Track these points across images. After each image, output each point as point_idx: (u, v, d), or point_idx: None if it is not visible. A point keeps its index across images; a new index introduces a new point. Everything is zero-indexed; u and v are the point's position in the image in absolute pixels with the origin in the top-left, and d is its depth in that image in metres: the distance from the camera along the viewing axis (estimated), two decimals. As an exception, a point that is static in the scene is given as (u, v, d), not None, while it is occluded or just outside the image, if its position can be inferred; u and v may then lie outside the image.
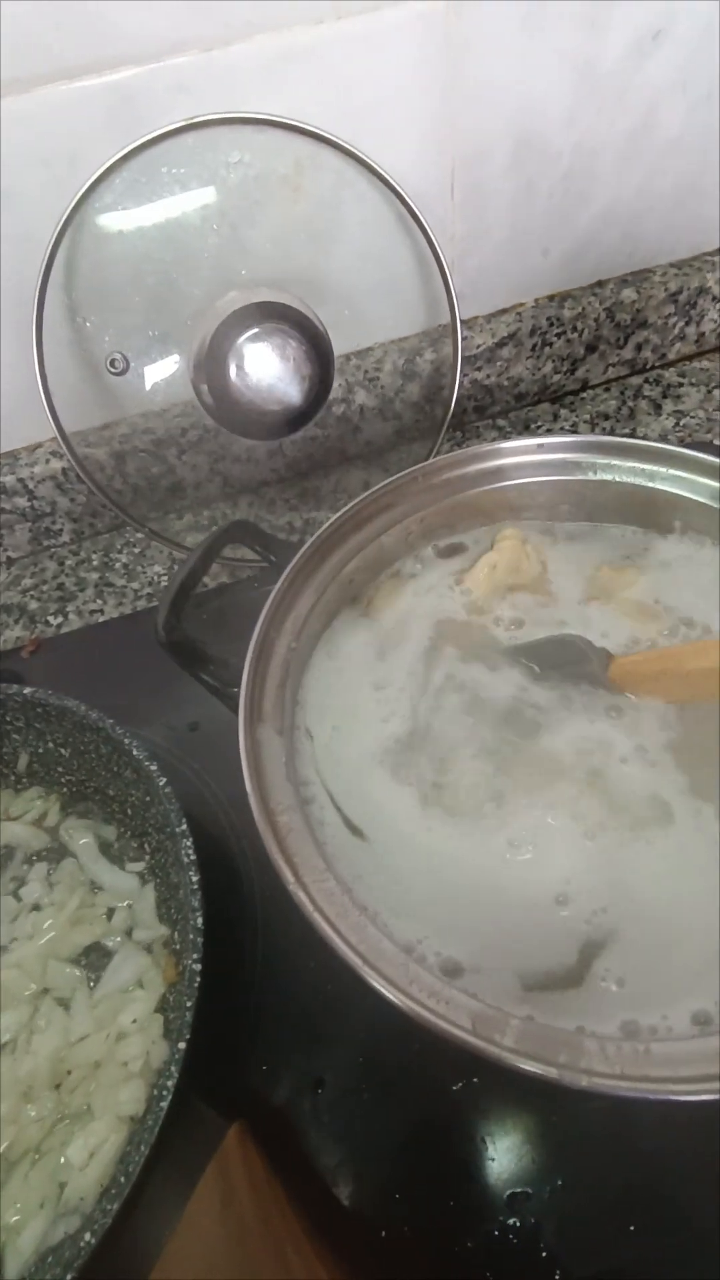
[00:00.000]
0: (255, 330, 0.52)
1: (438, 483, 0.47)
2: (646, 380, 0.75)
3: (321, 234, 0.56)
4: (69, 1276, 0.30)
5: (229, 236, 0.54)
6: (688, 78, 0.59)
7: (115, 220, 0.53)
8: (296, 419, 0.56)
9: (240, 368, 0.52)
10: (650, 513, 0.47)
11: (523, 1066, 0.27)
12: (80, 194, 0.51)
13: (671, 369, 0.75)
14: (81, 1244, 0.31)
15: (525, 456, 0.47)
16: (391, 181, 0.55)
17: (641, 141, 0.61)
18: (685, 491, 0.45)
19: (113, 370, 0.56)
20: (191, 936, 0.38)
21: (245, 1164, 0.34)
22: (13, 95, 0.48)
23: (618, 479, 0.46)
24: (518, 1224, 0.38)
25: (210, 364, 0.52)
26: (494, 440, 0.47)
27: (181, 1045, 0.35)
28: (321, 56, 0.51)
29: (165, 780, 0.43)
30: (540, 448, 0.47)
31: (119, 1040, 0.42)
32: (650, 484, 0.45)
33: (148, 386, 0.59)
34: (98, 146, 0.50)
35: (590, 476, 0.46)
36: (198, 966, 0.37)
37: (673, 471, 0.44)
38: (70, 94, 0.49)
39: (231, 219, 0.54)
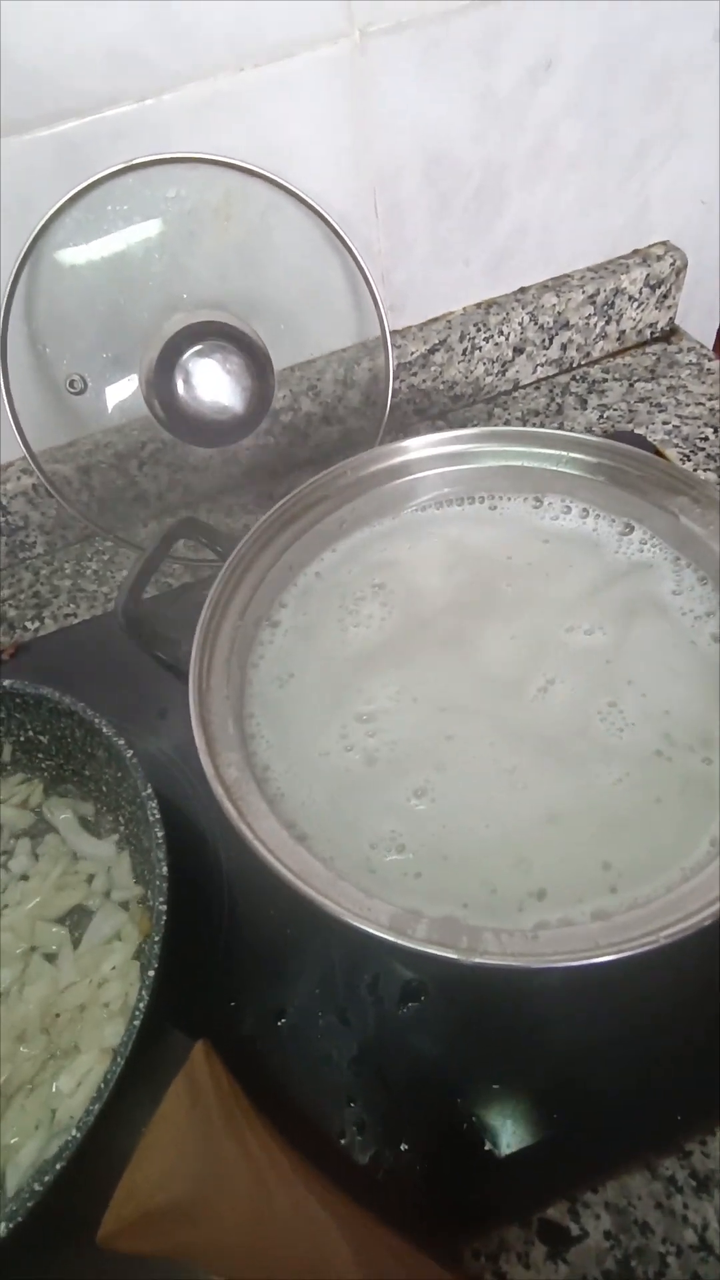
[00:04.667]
0: (198, 347, 0.57)
1: (364, 476, 0.52)
2: (573, 378, 0.80)
3: (254, 258, 0.62)
4: (59, 1165, 0.35)
5: (170, 264, 0.60)
6: (580, 100, 0.65)
7: (67, 255, 0.58)
8: (242, 426, 0.61)
9: (186, 382, 0.58)
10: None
11: (428, 951, 0.33)
12: (34, 233, 0.56)
13: (596, 366, 0.81)
14: (69, 1139, 0.36)
15: (446, 447, 0.53)
16: (315, 206, 0.60)
17: (545, 157, 0.67)
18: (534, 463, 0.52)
19: (72, 390, 0.62)
20: (158, 883, 0.43)
21: (210, 1072, 0.39)
22: (-34, 149, 0.53)
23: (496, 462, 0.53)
24: (458, 1121, 0.43)
25: (159, 380, 0.57)
26: (397, 437, 0.53)
27: (150, 973, 0.40)
28: (244, 99, 0.57)
29: (132, 752, 0.48)
30: (436, 442, 0.53)
31: (101, 986, 0.47)
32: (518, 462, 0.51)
33: (106, 404, 0.64)
34: (48, 190, 0.56)
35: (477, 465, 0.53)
36: (164, 908, 0.42)
37: (527, 448, 0.51)
38: (21, 145, 0.54)
39: (171, 249, 0.60)
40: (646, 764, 0.42)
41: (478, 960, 0.32)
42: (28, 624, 0.69)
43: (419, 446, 0.52)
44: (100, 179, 0.56)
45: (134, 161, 0.56)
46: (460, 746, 0.44)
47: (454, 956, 0.32)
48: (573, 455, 0.51)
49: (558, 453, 0.51)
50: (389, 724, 0.46)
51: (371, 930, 0.34)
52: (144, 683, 0.60)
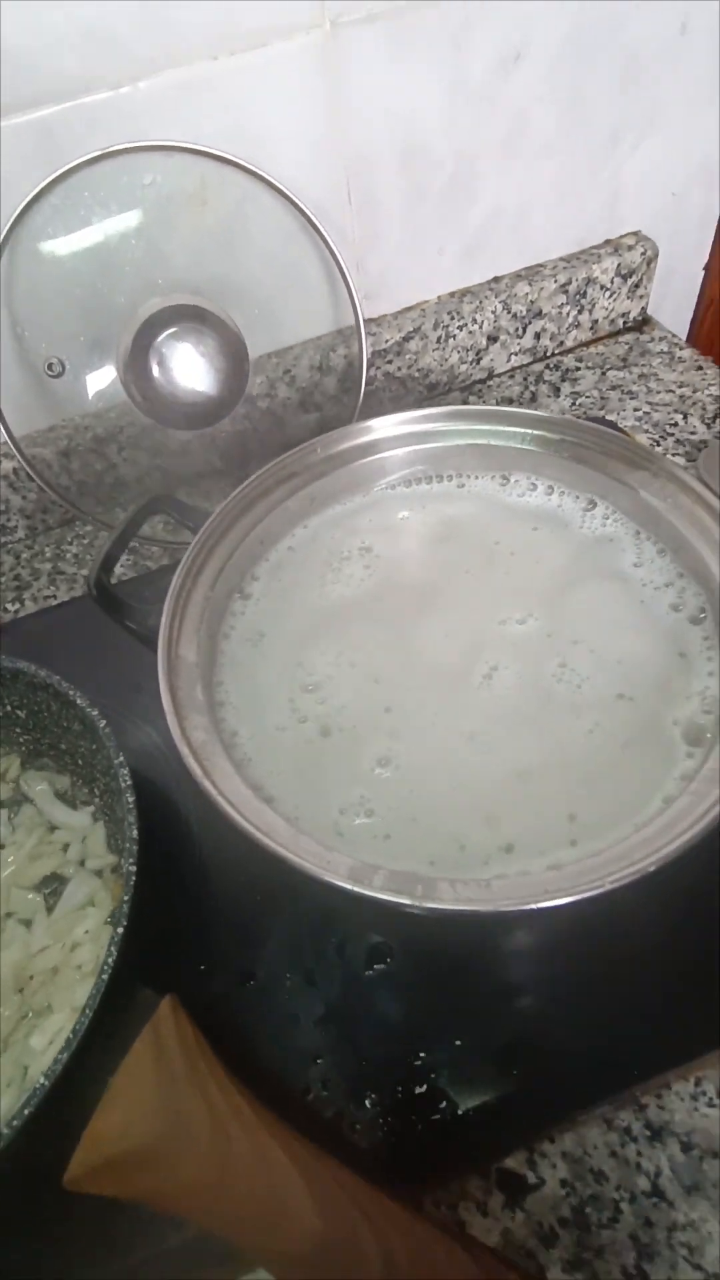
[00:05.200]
0: (172, 330, 0.58)
1: (335, 453, 0.53)
2: (547, 366, 0.82)
3: (230, 244, 0.63)
4: (27, 1111, 0.36)
5: (147, 250, 0.61)
6: (551, 87, 0.66)
7: (45, 240, 0.59)
8: (217, 409, 0.62)
9: (161, 364, 0.59)
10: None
11: (383, 898, 0.34)
12: (12, 219, 0.57)
13: (569, 355, 0.82)
14: (36, 1087, 0.37)
15: (416, 425, 0.55)
16: (289, 194, 0.62)
17: (517, 146, 0.68)
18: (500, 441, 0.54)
19: (50, 374, 0.62)
20: (129, 845, 0.44)
21: (176, 1026, 0.40)
22: (-54, 134, 0.54)
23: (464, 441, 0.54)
24: (419, 1078, 0.44)
25: (135, 363, 0.59)
26: (368, 419, 0.54)
27: (119, 930, 0.41)
28: (219, 87, 0.58)
29: (105, 722, 0.49)
30: (425, 417, 0.54)
31: (74, 949, 0.48)
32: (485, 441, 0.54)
33: (86, 388, 0.65)
34: (26, 176, 0.57)
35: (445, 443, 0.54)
36: (133, 868, 0.43)
37: (493, 426, 0.53)
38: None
39: (148, 234, 0.61)
40: (612, 709, 0.43)
41: (430, 905, 0.33)
42: (8, 605, 0.70)
43: (388, 425, 0.54)
44: (77, 165, 0.57)
45: (111, 149, 0.57)
46: (404, 718, 0.46)
47: (408, 902, 0.33)
48: (536, 433, 0.52)
49: (522, 430, 0.53)
50: (333, 692, 0.47)
51: (330, 879, 0.35)
52: (120, 660, 0.60)
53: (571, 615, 0.49)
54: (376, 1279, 0.32)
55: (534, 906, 0.33)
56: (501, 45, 0.63)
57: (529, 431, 0.53)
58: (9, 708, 0.57)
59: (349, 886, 0.35)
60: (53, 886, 0.52)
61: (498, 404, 0.79)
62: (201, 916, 0.51)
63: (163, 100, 0.58)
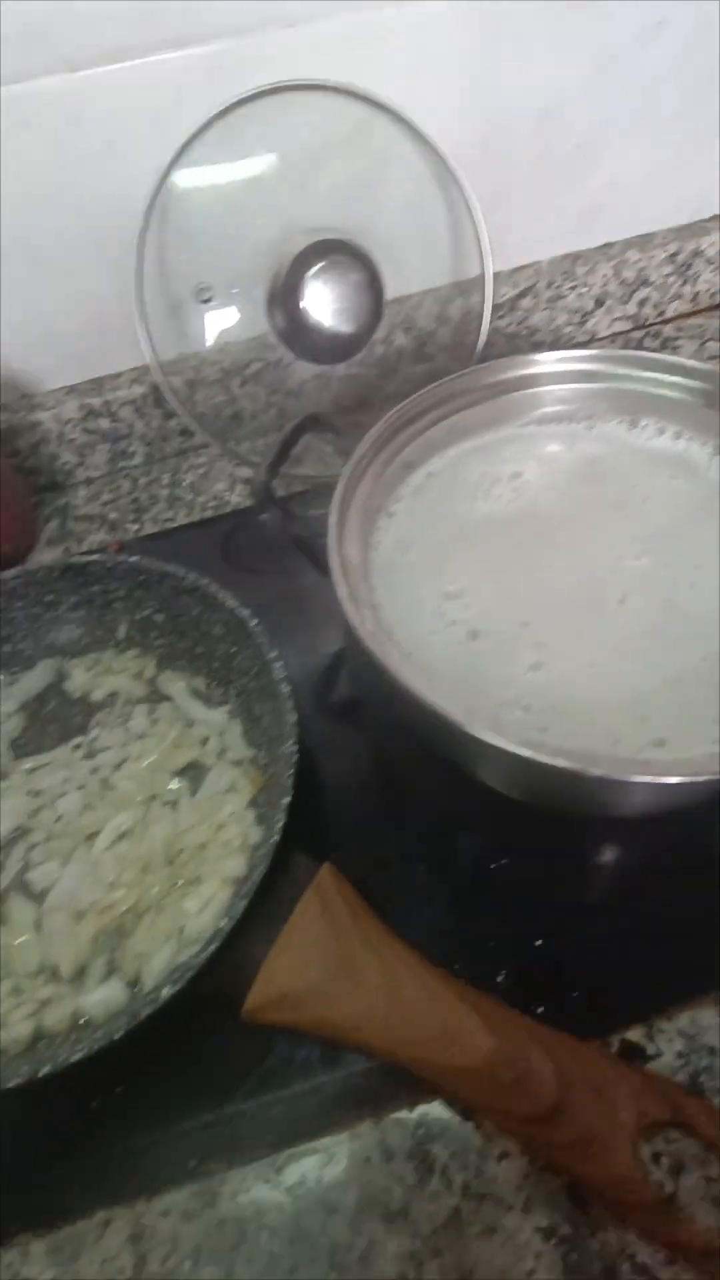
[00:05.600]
0: (321, 264, 0.61)
1: (484, 384, 0.57)
2: (647, 334, 0.85)
3: (373, 188, 0.66)
4: (213, 946, 0.40)
5: (297, 186, 0.64)
6: (686, 63, 0.69)
7: (204, 171, 0.62)
8: (348, 347, 0.66)
9: (309, 297, 0.62)
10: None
11: (557, 764, 0.37)
12: (179, 148, 0.61)
13: (670, 324, 0.85)
14: (219, 928, 0.40)
15: (552, 366, 0.58)
16: (434, 144, 0.65)
17: (644, 117, 0.71)
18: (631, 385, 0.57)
19: (200, 300, 0.66)
20: (288, 728, 0.48)
21: (337, 885, 0.44)
22: (130, 60, 0.57)
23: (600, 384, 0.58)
24: (543, 958, 0.47)
25: (284, 295, 0.62)
26: (528, 352, 0.57)
27: (285, 801, 0.45)
28: (381, 35, 0.61)
29: (256, 620, 0.53)
30: (562, 359, 0.57)
31: (219, 829, 0.52)
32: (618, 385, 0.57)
33: (223, 320, 0.68)
34: (194, 106, 0.60)
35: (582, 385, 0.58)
36: (295, 748, 0.47)
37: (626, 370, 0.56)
38: (175, 61, 0.58)
39: (299, 172, 0.64)
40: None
41: (601, 773, 0.37)
42: (128, 525, 0.74)
43: (541, 362, 0.57)
44: (241, 99, 0.60)
45: (275, 84, 0.60)
46: (545, 632, 0.49)
47: (576, 768, 0.37)
48: (671, 378, 0.55)
49: (657, 376, 0.56)
50: (473, 600, 0.50)
51: (504, 745, 0.38)
52: (237, 581, 0.64)
53: (693, 548, 0.52)
54: (550, 1091, 0.36)
55: (701, 779, 0.36)
56: (646, 16, 0.66)
57: (663, 376, 0.56)
58: (148, 612, 0.60)
59: (527, 753, 0.38)
60: (193, 775, 0.55)
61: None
62: (339, 816, 0.54)
63: (327, 43, 0.61)
